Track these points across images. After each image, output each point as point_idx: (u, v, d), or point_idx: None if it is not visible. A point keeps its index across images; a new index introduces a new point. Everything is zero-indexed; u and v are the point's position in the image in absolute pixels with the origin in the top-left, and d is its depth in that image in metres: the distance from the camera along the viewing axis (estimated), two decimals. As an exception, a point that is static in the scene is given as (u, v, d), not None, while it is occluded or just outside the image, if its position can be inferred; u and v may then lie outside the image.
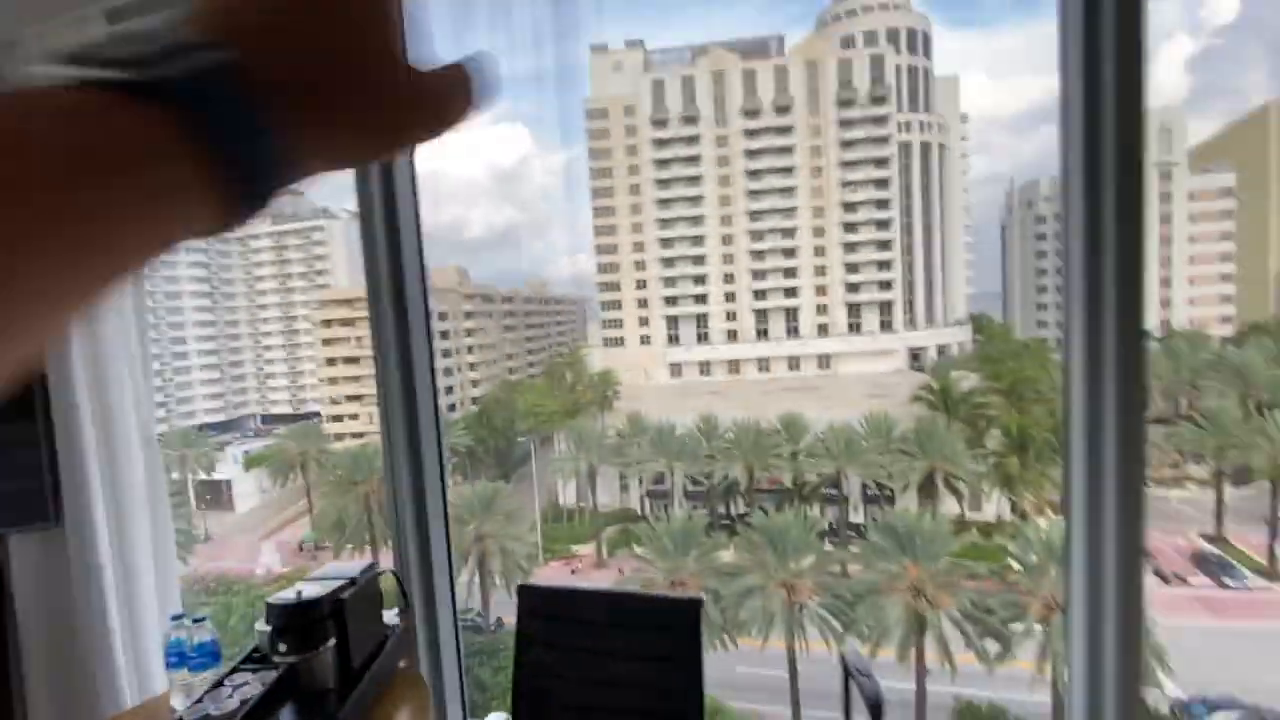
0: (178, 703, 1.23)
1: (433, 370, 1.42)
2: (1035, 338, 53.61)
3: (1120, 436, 1.10)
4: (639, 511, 32.72)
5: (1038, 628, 14.24)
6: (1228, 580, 22.90)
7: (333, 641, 1.04)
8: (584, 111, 47.77)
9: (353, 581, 1.10)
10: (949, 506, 25.10)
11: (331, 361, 34.88)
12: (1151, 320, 49.94)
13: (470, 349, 56.68)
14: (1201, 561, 24.02)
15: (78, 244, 0.18)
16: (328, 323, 35.53)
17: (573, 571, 29.30)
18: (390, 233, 1.37)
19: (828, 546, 20.36)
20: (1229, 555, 24.12)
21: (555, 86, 51.74)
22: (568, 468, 29.96)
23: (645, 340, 51.50)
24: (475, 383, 57.27)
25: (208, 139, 0.20)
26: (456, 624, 1.44)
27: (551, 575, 28.42)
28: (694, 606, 1.37)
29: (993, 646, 14.84)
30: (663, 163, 47.07)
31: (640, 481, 31.37)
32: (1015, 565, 17.65)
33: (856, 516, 29.22)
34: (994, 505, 28.05)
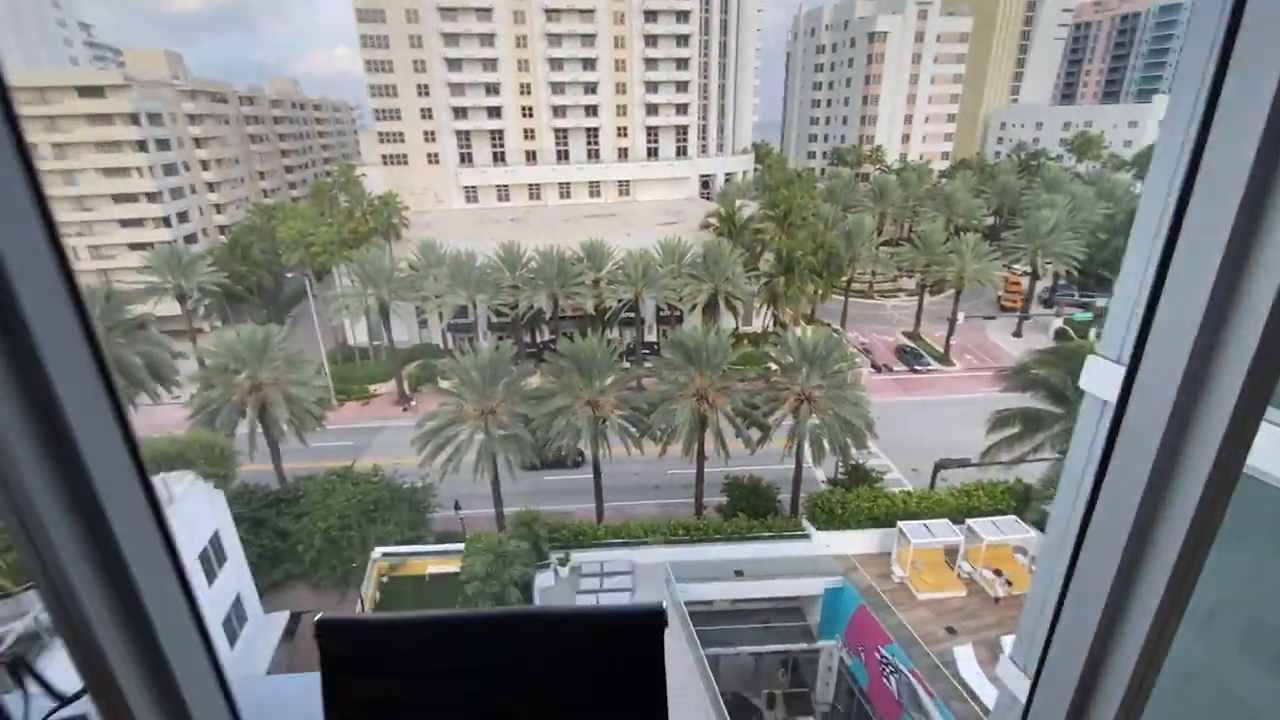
0: None
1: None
2: (805, 168, 59.10)
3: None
4: (441, 346, 31.76)
5: (789, 416, 17.44)
6: (918, 366, 30.05)
7: None
8: None
9: None
10: (727, 322, 28.31)
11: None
12: (893, 155, 57.52)
13: (205, 164, 45.74)
14: (901, 353, 31.07)
15: None
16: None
17: (364, 405, 28.29)
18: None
19: (626, 365, 22.00)
20: (920, 348, 31.39)
21: None
22: (354, 305, 27.28)
23: (433, 159, 46.00)
24: (219, 207, 47.30)
25: None
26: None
27: (349, 416, 27.16)
28: (657, 619, 0.83)
29: (755, 433, 17.96)
30: (438, -68, 38.72)
31: (440, 316, 29.98)
32: (774, 367, 21.03)
33: (651, 336, 31.80)
34: (761, 319, 32.43)
